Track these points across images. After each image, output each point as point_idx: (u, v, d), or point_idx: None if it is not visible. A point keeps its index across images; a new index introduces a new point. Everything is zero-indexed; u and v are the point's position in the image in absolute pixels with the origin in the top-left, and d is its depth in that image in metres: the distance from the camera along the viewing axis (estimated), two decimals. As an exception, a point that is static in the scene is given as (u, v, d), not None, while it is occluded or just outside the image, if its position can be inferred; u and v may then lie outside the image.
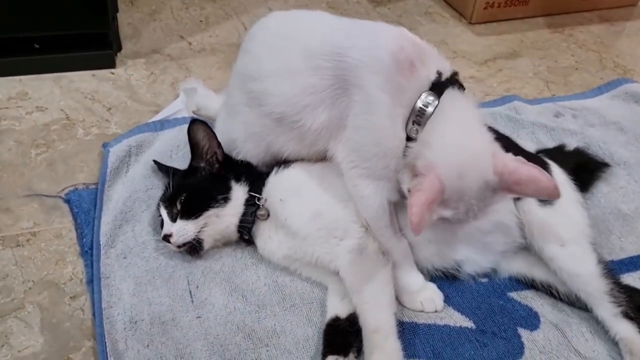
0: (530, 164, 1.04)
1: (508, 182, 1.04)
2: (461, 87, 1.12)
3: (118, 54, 1.89)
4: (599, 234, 1.42)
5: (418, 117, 1.06)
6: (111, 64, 1.83)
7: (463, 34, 2.25)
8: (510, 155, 1.09)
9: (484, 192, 1.04)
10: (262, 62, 1.22)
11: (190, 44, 2.01)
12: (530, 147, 1.59)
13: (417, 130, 1.06)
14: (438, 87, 1.07)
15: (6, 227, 1.33)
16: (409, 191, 1.02)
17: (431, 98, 1.06)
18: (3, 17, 1.71)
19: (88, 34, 1.79)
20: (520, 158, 1.05)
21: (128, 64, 1.87)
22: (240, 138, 1.30)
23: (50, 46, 1.78)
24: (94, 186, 1.43)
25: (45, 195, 1.40)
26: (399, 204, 1.19)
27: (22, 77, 1.76)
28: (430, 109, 1.05)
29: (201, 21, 2.14)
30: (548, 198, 1.08)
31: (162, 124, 1.57)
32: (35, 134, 1.58)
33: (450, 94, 1.07)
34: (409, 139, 1.08)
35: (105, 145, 1.52)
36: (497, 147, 1.08)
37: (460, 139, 1.06)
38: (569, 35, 2.32)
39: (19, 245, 1.29)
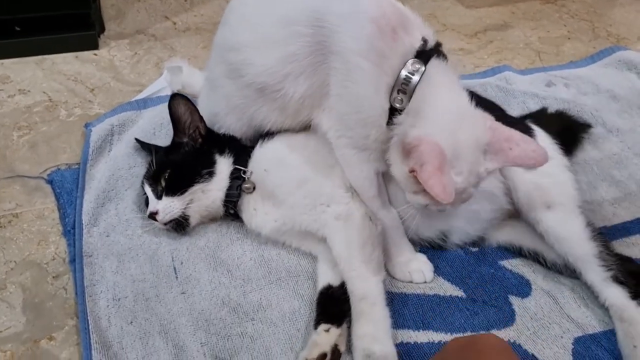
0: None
1: (499, 139, 1.02)
2: (445, 57, 1.08)
3: (101, 36, 1.86)
4: (592, 201, 1.41)
5: (403, 86, 1.02)
6: (94, 46, 1.81)
7: (453, 6, 2.22)
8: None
9: (479, 152, 1.02)
10: (241, 33, 1.19)
11: (174, 23, 1.98)
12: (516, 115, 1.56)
13: (402, 100, 1.03)
14: (424, 55, 1.03)
15: (-12, 209, 1.32)
16: (411, 171, 0.99)
17: (417, 66, 1.02)
18: (-19, 0, 1.68)
19: (70, 15, 1.77)
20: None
21: (111, 45, 1.85)
22: (222, 112, 1.28)
23: (32, 29, 1.76)
24: (76, 166, 1.41)
25: (28, 177, 1.38)
26: (389, 175, 1.17)
27: (4, 61, 1.74)
28: (416, 77, 1.02)
29: (185, 1, 2.11)
30: (535, 164, 1.04)
31: (145, 102, 1.55)
32: (17, 116, 1.56)
33: (435, 62, 1.04)
34: (393, 109, 1.04)
35: (87, 125, 1.50)
36: (485, 113, 1.07)
37: (448, 102, 1.03)
38: (562, 6, 2.28)
39: (1, 227, 1.28)
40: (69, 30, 1.78)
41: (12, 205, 1.33)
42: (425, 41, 1.04)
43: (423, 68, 1.02)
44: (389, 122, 1.04)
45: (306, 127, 1.22)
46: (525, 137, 1.04)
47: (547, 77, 1.83)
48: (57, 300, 1.15)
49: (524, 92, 1.74)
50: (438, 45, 1.08)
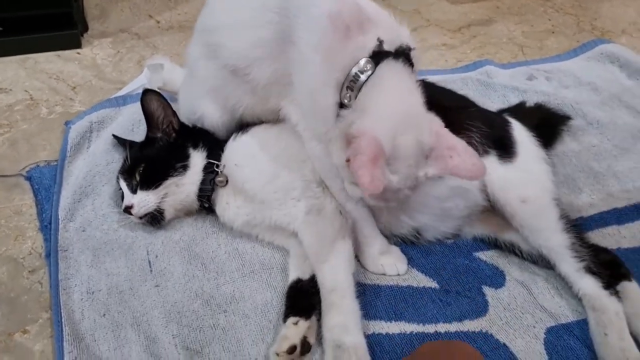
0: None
1: (442, 146, 1.03)
2: (407, 60, 1.07)
3: (85, 35, 1.88)
4: (570, 192, 1.42)
5: (352, 83, 1.03)
6: (77, 44, 1.82)
7: (438, 2, 2.23)
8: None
9: (420, 155, 1.03)
10: (219, 15, 1.21)
11: (158, 22, 2.00)
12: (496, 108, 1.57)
13: (349, 97, 1.04)
14: (377, 56, 1.03)
15: (-34, 206, 1.33)
16: (347, 161, 0.99)
17: (368, 65, 1.03)
18: (-37, 1, 1.70)
19: (53, 15, 1.78)
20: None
21: (94, 43, 1.86)
22: (199, 95, 1.29)
23: (15, 28, 1.77)
24: (55, 163, 1.42)
25: (6, 175, 1.39)
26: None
27: (-13, 61, 1.75)
28: (364, 76, 1.02)
29: (170, 0, 2.12)
30: (472, 175, 1.04)
31: (125, 99, 1.57)
32: (-2, 115, 1.58)
33: (389, 64, 1.04)
34: (343, 105, 1.05)
35: (67, 123, 1.51)
36: (435, 117, 1.07)
37: (395, 102, 1.03)
38: (547, 0, 2.28)
39: (-22, 223, 1.29)
40: (52, 29, 1.80)
41: (-10, 201, 1.34)
42: (380, 42, 1.04)
43: (372, 68, 1.02)
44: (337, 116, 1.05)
45: (279, 117, 1.22)
46: (470, 149, 1.04)
47: (529, 70, 1.84)
48: (32, 294, 1.16)
49: (504, 86, 1.75)
50: (403, 48, 1.07)
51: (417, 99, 1.05)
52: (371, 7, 1.09)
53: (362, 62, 1.02)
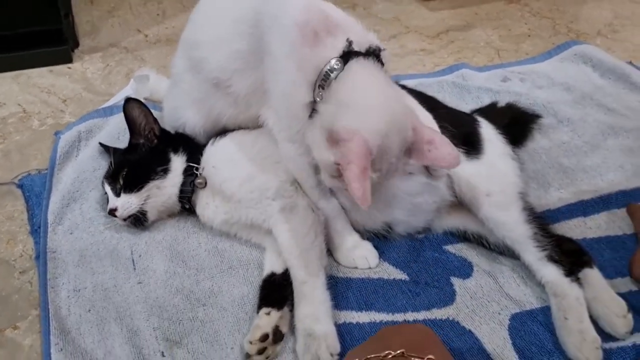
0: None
1: (421, 140, 1.07)
2: (377, 59, 1.12)
3: (76, 50, 1.96)
4: (539, 187, 1.47)
5: (323, 82, 1.08)
6: (68, 60, 1.90)
7: (417, 10, 2.30)
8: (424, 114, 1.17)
9: (401, 151, 1.08)
10: (203, 30, 1.28)
11: (146, 36, 2.08)
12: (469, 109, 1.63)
13: (322, 95, 1.09)
14: (346, 55, 1.08)
15: (-39, 213, 1.40)
16: (337, 164, 1.04)
17: (338, 64, 1.07)
18: (-42, 20, 1.79)
19: (44, 32, 1.86)
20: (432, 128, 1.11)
21: (85, 58, 1.94)
22: (184, 105, 1.36)
23: (9, 45, 1.86)
24: (46, 171, 1.49)
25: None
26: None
27: (-18, 77, 1.84)
28: (334, 74, 1.07)
29: (158, 14, 2.21)
30: (449, 164, 1.10)
31: (112, 110, 1.64)
32: (-8, 127, 1.66)
33: (358, 61, 1.08)
34: (316, 103, 1.10)
35: (57, 133, 1.59)
36: (411, 111, 1.12)
37: (376, 95, 1.08)
38: (525, 5, 2.36)
39: (-28, 229, 1.36)
40: (43, 46, 1.88)
41: (-16, 209, 1.41)
42: (349, 42, 1.09)
43: (341, 66, 1.07)
44: (311, 115, 1.10)
45: (259, 125, 1.29)
46: (445, 141, 1.08)
47: (504, 73, 1.90)
48: (22, 293, 1.23)
49: (478, 88, 1.81)
50: (375, 49, 1.12)
51: (393, 92, 1.10)
52: (338, 15, 1.15)
53: (333, 61, 1.07)
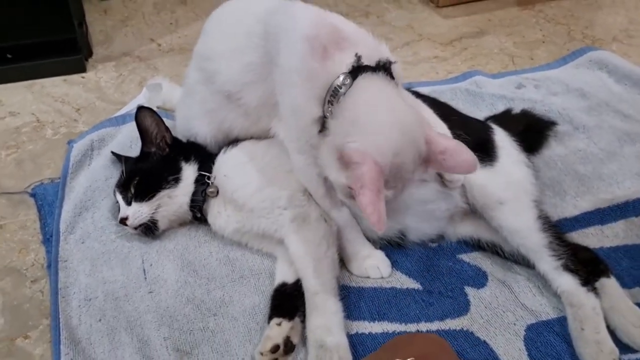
0: (454, 140, 1.08)
1: (435, 152, 1.06)
2: (387, 73, 1.10)
3: (89, 59, 1.97)
4: (554, 195, 1.45)
5: (332, 97, 1.08)
6: (82, 69, 1.91)
7: (430, 17, 2.29)
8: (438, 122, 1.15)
9: (415, 166, 1.06)
10: (215, 43, 1.29)
11: (159, 45, 2.09)
12: (484, 116, 1.61)
13: (331, 111, 1.08)
14: (355, 70, 1.07)
15: (-25, 222, 1.41)
16: (350, 188, 1.02)
17: (347, 81, 1.06)
18: (-26, 31, 1.81)
19: (58, 41, 1.88)
20: (445, 135, 1.10)
21: (98, 67, 1.95)
22: (196, 116, 1.37)
23: (24, 55, 1.87)
24: (59, 180, 1.50)
25: (12, 192, 1.47)
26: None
27: (-2, 86, 1.86)
28: (343, 89, 1.06)
29: (171, 24, 2.22)
30: (467, 170, 1.08)
31: (124, 119, 1.64)
32: (6, 136, 1.67)
33: (367, 76, 1.07)
34: (326, 119, 1.09)
35: (70, 142, 1.59)
36: (423, 120, 1.11)
37: (385, 112, 1.06)
38: (539, 11, 2.33)
39: (-14, 238, 1.37)
40: (57, 55, 1.89)
41: (-3, 217, 1.42)
42: (358, 57, 1.08)
43: (350, 81, 1.06)
44: (322, 130, 1.09)
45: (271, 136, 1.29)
46: (460, 147, 1.06)
47: (518, 79, 1.88)
48: (33, 302, 1.23)
49: (492, 95, 1.79)
50: (383, 62, 1.10)
51: (404, 107, 1.08)
52: (349, 27, 1.14)
53: (341, 77, 1.07)
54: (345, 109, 1.06)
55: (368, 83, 1.07)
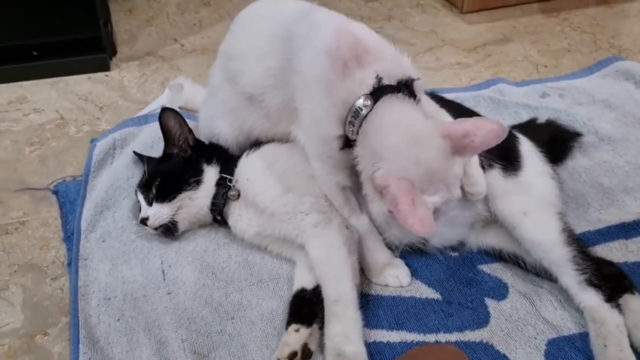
0: (469, 118, 1.06)
1: (458, 139, 1.05)
2: (412, 94, 1.10)
3: (113, 58, 1.99)
4: (578, 207, 1.43)
5: (353, 118, 1.07)
6: (106, 67, 1.93)
7: (453, 22, 2.27)
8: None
9: (446, 161, 1.05)
10: (240, 43, 1.29)
11: (182, 45, 2.10)
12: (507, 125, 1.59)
13: (352, 131, 1.08)
14: (376, 92, 1.07)
15: (-3, 217, 1.42)
16: (390, 212, 1.03)
17: (368, 102, 1.06)
18: (2, 27, 1.83)
19: (83, 39, 1.89)
20: (460, 119, 1.08)
21: (122, 66, 1.97)
22: (218, 115, 1.37)
23: (49, 53, 1.89)
24: (81, 178, 1.51)
25: (35, 188, 1.49)
26: (360, 182, 1.22)
27: (23, 83, 1.88)
28: (364, 112, 1.06)
29: (195, 24, 2.23)
30: (498, 139, 1.05)
31: (147, 118, 1.65)
32: (30, 133, 1.68)
33: (388, 99, 1.06)
34: (348, 138, 1.10)
35: (92, 141, 1.60)
36: (437, 120, 1.10)
37: (402, 137, 1.05)
38: (564, 19, 2.30)
39: (8, 233, 1.38)
40: (82, 53, 1.91)
41: (20, 213, 1.43)
42: (379, 78, 1.07)
43: (372, 104, 1.05)
44: (345, 147, 1.10)
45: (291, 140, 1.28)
46: (477, 121, 1.05)
47: (543, 88, 1.86)
48: (53, 300, 1.24)
49: (516, 103, 1.77)
50: (405, 81, 1.09)
51: (419, 121, 1.07)
52: (371, 39, 1.13)
53: (361, 99, 1.06)
54: (369, 137, 1.06)
55: (389, 107, 1.06)
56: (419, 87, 1.12)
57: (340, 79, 1.07)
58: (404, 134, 1.05)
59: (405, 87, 1.08)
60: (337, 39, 1.08)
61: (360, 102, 1.06)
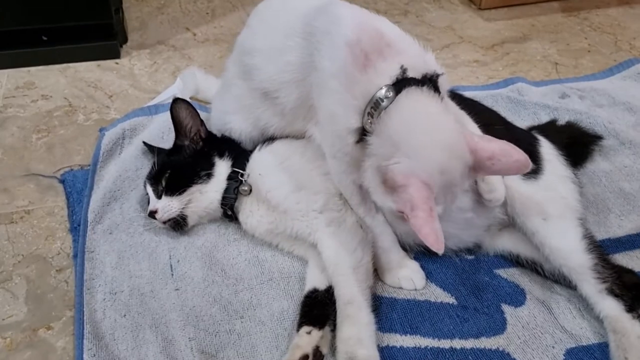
0: (498, 140, 1.02)
1: (482, 159, 1.00)
2: (436, 89, 1.04)
3: (124, 46, 1.95)
4: (598, 213, 1.39)
5: (372, 110, 1.02)
6: (116, 55, 1.89)
7: (471, 19, 2.22)
8: (478, 133, 1.09)
9: (465, 177, 1.01)
10: (256, 38, 1.24)
11: (194, 34, 2.06)
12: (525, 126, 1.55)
13: (371, 123, 1.03)
14: (400, 83, 1.02)
15: (2, 205, 1.39)
16: (400, 212, 0.98)
17: (390, 94, 1.00)
18: (12, 10, 1.79)
19: (94, 26, 1.86)
20: (488, 136, 1.03)
21: (133, 54, 1.93)
22: (232, 110, 1.33)
23: (59, 38, 1.85)
24: (88, 167, 1.47)
25: (42, 175, 1.46)
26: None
27: (31, 68, 1.84)
28: (385, 103, 1.01)
29: (207, 13, 2.19)
30: (519, 171, 1.03)
31: (157, 108, 1.61)
32: (38, 120, 1.65)
33: (412, 91, 1.01)
34: (365, 130, 1.05)
35: (101, 130, 1.57)
36: (464, 127, 1.06)
37: (432, 135, 1.00)
38: (584, 19, 2.26)
39: (13, 222, 1.35)
40: (92, 40, 1.87)
41: (25, 202, 1.40)
42: (404, 69, 1.02)
43: (393, 95, 1.00)
44: (360, 140, 1.04)
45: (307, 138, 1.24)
46: (508, 149, 1.01)
47: (562, 88, 1.81)
48: (58, 293, 1.20)
49: (535, 103, 1.73)
50: (430, 75, 1.04)
51: (449, 123, 1.02)
52: (394, 33, 1.08)
53: (384, 90, 1.01)
54: (388, 126, 1.00)
55: (412, 99, 1.01)
56: (444, 83, 1.07)
57: (360, 72, 1.02)
58: (433, 134, 1.00)
59: (430, 82, 1.03)
60: (358, 32, 1.04)
61: (381, 92, 1.01)
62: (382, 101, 1.01)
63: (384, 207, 1.04)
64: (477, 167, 1.02)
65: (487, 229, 1.27)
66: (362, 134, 1.04)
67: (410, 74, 1.02)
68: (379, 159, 1.00)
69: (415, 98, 1.01)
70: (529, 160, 1.01)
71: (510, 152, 1.01)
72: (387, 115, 1.00)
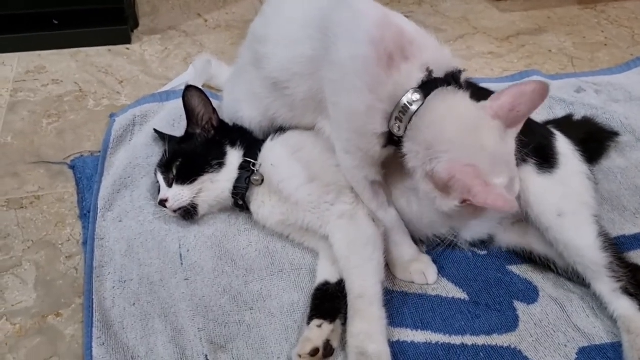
0: (504, 90, 1.04)
1: (506, 115, 1.02)
2: (460, 85, 1.05)
3: (135, 31, 1.94)
4: (612, 210, 1.37)
5: (401, 114, 1.02)
6: (127, 40, 1.88)
7: (487, 10, 2.19)
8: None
9: (504, 141, 1.03)
10: (270, 26, 1.22)
11: (206, 21, 2.04)
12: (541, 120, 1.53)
13: (399, 127, 1.03)
14: (426, 86, 1.02)
15: (12, 190, 1.38)
16: (463, 202, 1.00)
17: (417, 96, 1.01)
18: (23, -7, 1.78)
19: (105, 10, 1.85)
20: (494, 95, 1.05)
21: (144, 40, 1.92)
22: (242, 97, 1.32)
23: (69, 22, 1.85)
24: (98, 154, 1.47)
25: (52, 162, 1.44)
26: (389, 174, 1.18)
27: (42, 52, 1.83)
28: (414, 107, 1.01)
29: (219, -1, 2.17)
30: (544, 96, 1.02)
31: (168, 95, 1.60)
32: (48, 105, 1.64)
33: (440, 92, 1.02)
34: (392, 135, 1.05)
35: (112, 116, 1.56)
36: (480, 104, 1.06)
37: (456, 124, 1.02)
38: (601, 12, 2.22)
39: (23, 208, 1.34)
40: (103, 24, 1.86)
41: (35, 188, 1.39)
42: (429, 71, 1.02)
43: (421, 99, 1.01)
44: (388, 144, 1.06)
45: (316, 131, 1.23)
46: (516, 88, 1.02)
47: (578, 83, 1.79)
48: (67, 279, 1.20)
49: (550, 97, 1.69)
50: (454, 72, 1.05)
51: (473, 110, 1.04)
52: (413, 30, 1.07)
53: (410, 94, 1.01)
54: (422, 130, 1.02)
55: (443, 102, 1.02)
56: (464, 79, 1.07)
57: (386, 73, 1.01)
58: (461, 124, 1.02)
59: (453, 79, 1.03)
60: (381, 29, 1.02)
61: (409, 96, 1.01)
62: (410, 105, 1.01)
63: (452, 211, 1.03)
64: (510, 123, 1.03)
65: (500, 222, 1.25)
66: (389, 139, 1.05)
67: (435, 74, 1.03)
68: (422, 168, 1.02)
69: (444, 100, 1.02)
70: (544, 81, 1.03)
71: (522, 90, 1.02)
72: (419, 120, 1.01)
